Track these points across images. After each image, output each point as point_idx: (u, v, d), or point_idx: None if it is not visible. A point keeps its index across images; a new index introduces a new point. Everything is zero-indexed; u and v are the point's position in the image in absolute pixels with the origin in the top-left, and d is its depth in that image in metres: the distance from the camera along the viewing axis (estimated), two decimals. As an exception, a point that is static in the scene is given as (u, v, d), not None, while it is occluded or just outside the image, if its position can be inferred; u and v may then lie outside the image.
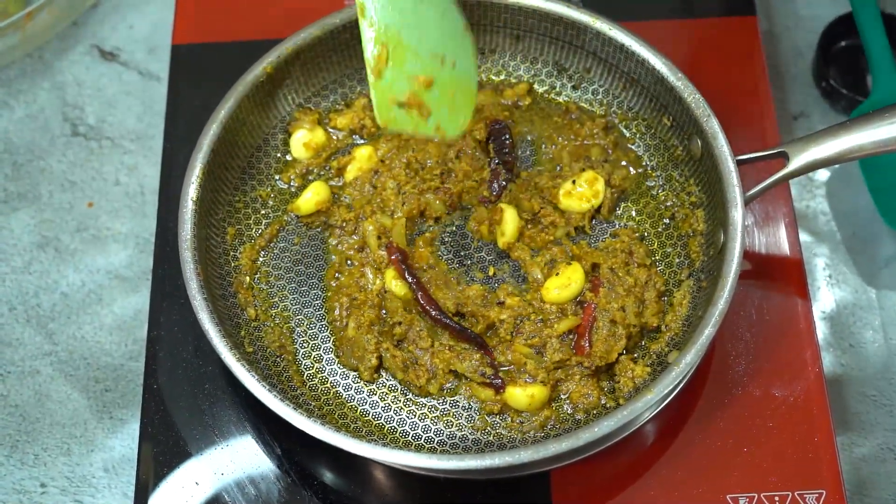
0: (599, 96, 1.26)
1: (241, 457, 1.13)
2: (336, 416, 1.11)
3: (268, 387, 1.04)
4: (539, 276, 1.16)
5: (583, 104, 1.27)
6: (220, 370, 1.15)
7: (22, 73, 1.44)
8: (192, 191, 1.13)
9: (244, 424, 1.14)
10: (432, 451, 1.09)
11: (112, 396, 1.24)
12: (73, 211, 1.35)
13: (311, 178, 1.24)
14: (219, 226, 1.18)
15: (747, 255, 1.20)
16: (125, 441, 1.22)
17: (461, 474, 1.07)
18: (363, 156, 1.23)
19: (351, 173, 1.23)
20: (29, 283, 1.30)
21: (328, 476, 1.12)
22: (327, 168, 1.24)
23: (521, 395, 1.10)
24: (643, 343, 1.14)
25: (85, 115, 1.41)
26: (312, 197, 1.21)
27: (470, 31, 1.13)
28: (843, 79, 1.35)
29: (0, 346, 1.27)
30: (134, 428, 1.21)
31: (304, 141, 1.24)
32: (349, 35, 1.23)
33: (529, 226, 1.19)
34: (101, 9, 1.48)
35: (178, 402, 1.15)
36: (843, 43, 1.38)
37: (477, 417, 1.11)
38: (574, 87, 1.27)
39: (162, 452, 1.13)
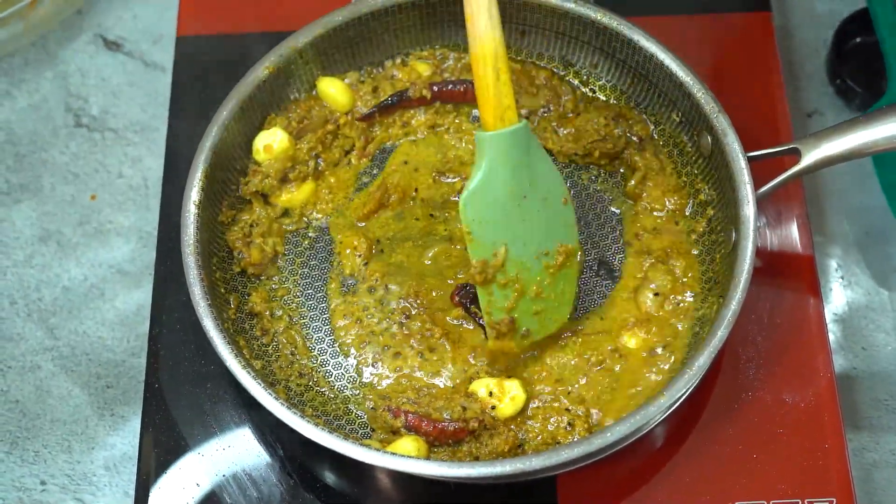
0: (607, 92, 1.25)
1: (242, 458, 1.12)
2: (343, 422, 1.10)
3: (273, 394, 1.02)
4: None
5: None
6: (223, 370, 1.13)
7: (25, 63, 1.42)
8: (194, 194, 1.12)
9: (246, 425, 1.13)
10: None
11: (113, 393, 1.23)
12: (75, 203, 1.34)
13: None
14: (222, 228, 1.17)
15: (758, 254, 1.19)
16: (126, 439, 1.21)
17: (470, 480, 1.06)
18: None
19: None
20: (30, 277, 1.29)
21: (331, 478, 1.11)
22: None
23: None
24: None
25: (88, 106, 1.40)
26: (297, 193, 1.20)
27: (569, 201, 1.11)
28: (858, 76, 1.33)
29: (1, 341, 1.26)
30: (135, 425, 1.20)
31: (265, 143, 1.20)
32: (352, 33, 1.21)
33: None
34: (105, -2, 1.47)
35: (180, 401, 1.14)
36: (857, 39, 1.36)
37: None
38: (581, 83, 1.25)
39: (163, 452, 1.12)
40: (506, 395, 1.09)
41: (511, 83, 1.05)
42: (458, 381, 1.11)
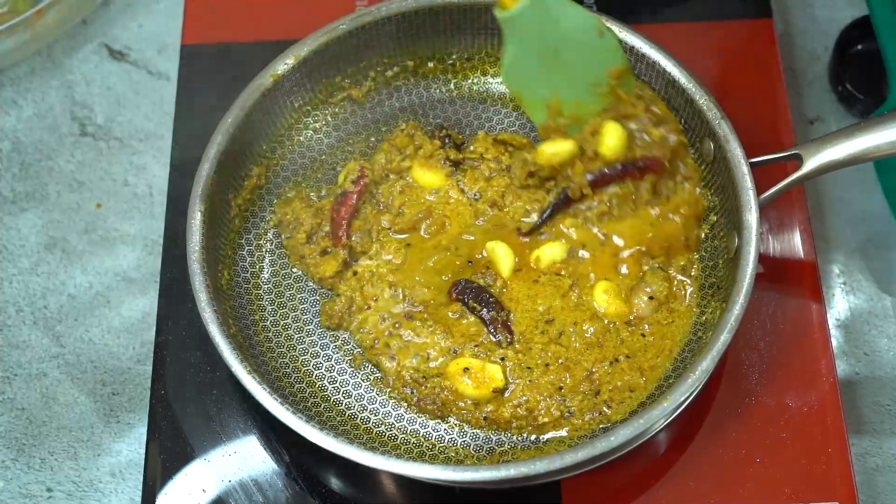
0: (610, 99, 1.25)
1: (248, 463, 1.12)
2: (348, 427, 1.11)
3: (280, 400, 1.03)
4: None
5: None
6: (228, 376, 1.14)
7: (31, 72, 1.43)
8: (199, 201, 1.12)
9: (252, 431, 1.14)
10: (447, 460, 1.09)
11: (119, 400, 1.23)
12: (80, 211, 1.34)
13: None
14: (228, 236, 1.17)
15: (760, 260, 1.19)
16: (132, 446, 1.21)
17: (474, 484, 1.07)
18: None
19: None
20: (36, 285, 1.30)
21: (337, 484, 1.11)
22: None
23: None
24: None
25: (94, 115, 1.40)
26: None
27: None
28: (860, 83, 1.34)
29: (7, 349, 1.26)
30: (141, 432, 1.21)
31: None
32: (356, 41, 1.22)
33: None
34: (110, 7, 1.47)
35: (186, 408, 1.15)
36: (859, 46, 1.36)
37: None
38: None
39: (169, 458, 1.13)
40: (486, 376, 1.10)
41: None
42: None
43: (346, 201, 1.18)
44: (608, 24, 1.18)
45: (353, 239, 1.18)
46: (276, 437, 1.13)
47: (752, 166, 1.11)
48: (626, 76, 1.17)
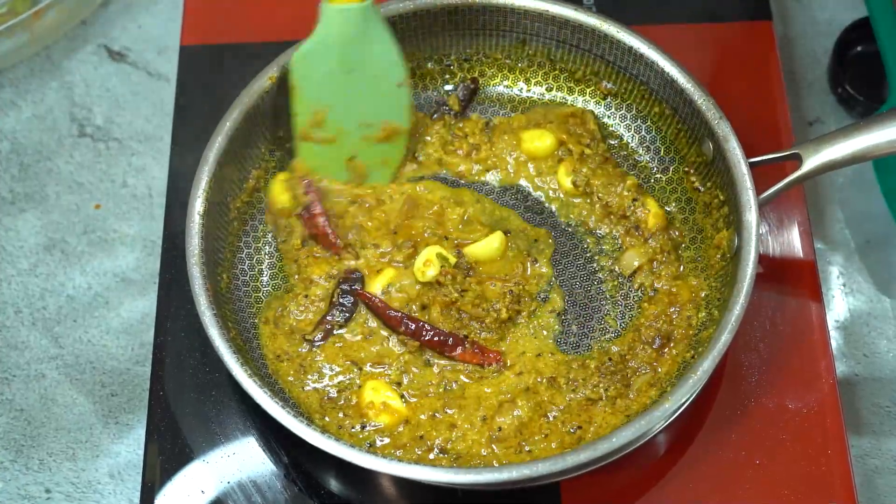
0: (608, 99, 1.25)
1: (247, 465, 1.12)
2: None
3: (281, 403, 1.03)
4: None
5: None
6: (227, 377, 1.14)
7: (30, 73, 1.43)
8: (198, 204, 1.12)
9: (251, 432, 1.13)
10: (450, 463, 1.09)
11: (118, 401, 1.23)
12: (80, 213, 1.34)
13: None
14: (227, 239, 1.17)
15: (760, 261, 1.19)
16: (131, 447, 1.21)
17: (475, 486, 1.06)
18: None
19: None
20: (35, 286, 1.30)
21: (336, 485, 1.11)
22: None
23: None
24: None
25: (93, 116, 1.40)
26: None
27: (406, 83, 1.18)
28: (859, 85, 1.34)
29: (6, 350, 1.26)
30: (140, 433, 1.20)
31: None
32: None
33: None
34: (110, 8, 1.47)
35: (185, 409, 1.15)
36: (859, 48, 1.36)
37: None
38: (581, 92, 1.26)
39: (168, 459, 1.13)
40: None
41: None
42: None
43: (314, 214, 1.18)
44: (607, 27, 1.18)
45: (350, 237, 1.18)
46: (275, 438, 1.13)
47: (752, 166, 1.11)
48: (398, 138, 1.20)
